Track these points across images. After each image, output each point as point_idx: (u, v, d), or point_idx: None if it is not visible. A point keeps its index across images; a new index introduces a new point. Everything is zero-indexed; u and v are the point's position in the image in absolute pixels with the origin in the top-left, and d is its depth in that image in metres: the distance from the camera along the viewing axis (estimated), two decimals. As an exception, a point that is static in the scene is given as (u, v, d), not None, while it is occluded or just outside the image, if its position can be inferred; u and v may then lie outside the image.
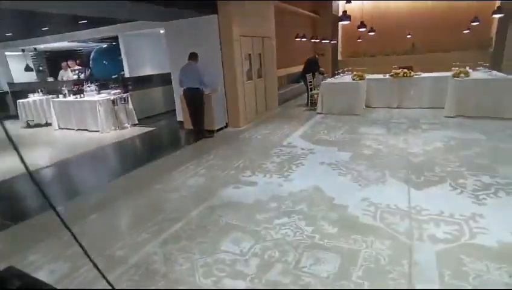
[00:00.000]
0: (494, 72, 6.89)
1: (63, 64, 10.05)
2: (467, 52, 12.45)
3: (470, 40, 12.63)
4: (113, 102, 7.27)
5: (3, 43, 10.15)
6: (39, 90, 8.66)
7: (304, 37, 10.08)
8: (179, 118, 7.25)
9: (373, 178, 3.62)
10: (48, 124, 8.22)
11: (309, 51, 13.04)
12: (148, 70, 9.91)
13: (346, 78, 7.94)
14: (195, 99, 5.79)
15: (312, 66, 8.56)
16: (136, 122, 7.71)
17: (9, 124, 7.73)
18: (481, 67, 7.36)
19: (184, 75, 5.78)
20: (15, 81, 10.73)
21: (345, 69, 8.63)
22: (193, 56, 5.78)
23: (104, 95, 7.45)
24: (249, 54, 6.90)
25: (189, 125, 6.27)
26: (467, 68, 6.80)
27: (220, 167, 4.36)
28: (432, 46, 13.34)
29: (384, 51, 14.20)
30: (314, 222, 2.76)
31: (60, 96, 7.82)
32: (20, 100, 8.28)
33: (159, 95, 8.96)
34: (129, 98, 7.63)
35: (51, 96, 8.27)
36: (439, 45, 13.21)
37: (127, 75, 9.45)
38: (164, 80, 8.70)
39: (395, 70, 7.60)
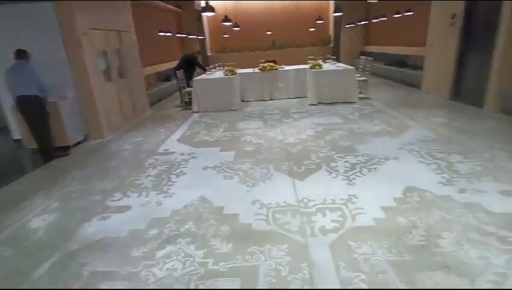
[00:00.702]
0: (340, 64, 8.07)
1: None
2: (315, 48, 14.44)
3: (316, 37, 14.69)
4: None
5: None
6: None
7: (168, 31, 9.40)
8: (16, 135, 5.55)
9: (259, 176, 3.53)
10: None
11: (177, 46, 12.42)
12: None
13: (218, 73, 7.81)
14: (35, 110, 4.45)
15: (187, 64, 8.04)
16: None
17: None
18: (329, 60, 8.50)
19: (14, 79, 4.35)
20: None
21: (216, 65, 8.50)
22: (21, 54, 4.40)
23: None
24: (104, 51, 5.84)
25: (32, 143, 4.83)
26: (320, 61, 7.71)
27: (79, 193, 3.44)
28: (288, 42, 14.85)
29: (249, 47, 14.95)
30: (205, 243, 2.39)
31: None
32: None
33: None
34: None
35: None
36: (294, 41, 14.83)
37: None
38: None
39: (263, 65, 7.95)
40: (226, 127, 5.75)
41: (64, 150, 4.94)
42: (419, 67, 8.09)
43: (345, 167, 3.60)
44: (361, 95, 7.36)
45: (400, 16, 8.67)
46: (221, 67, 8.29)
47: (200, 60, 8.43)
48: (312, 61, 7.52)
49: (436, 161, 3.58)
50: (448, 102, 6.33)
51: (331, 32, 14.74)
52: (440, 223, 2.43)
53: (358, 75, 7.41)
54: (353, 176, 3.35)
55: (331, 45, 14.67)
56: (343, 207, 2.75)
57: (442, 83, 6.60)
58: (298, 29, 14.54)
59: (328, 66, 7.74)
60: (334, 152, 4.09)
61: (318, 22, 9.59)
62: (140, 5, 8.43)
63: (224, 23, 7.81)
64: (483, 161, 3.48)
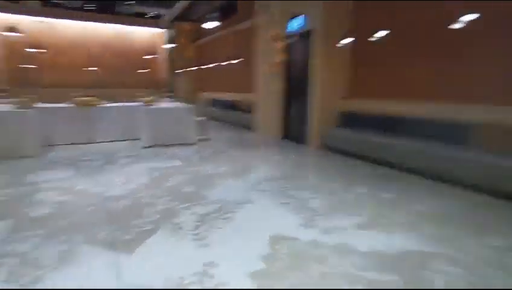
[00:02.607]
0: (176, 103, 7.42)
1: None
2: (149, 90, 13.46)
3: (149, 79, 13.85)
4: None
5: None
6: None
7: None
8: None
9: (52, 259, 2.07)
10: None
11: None
12: None
13: (3, 107, 5.47)
14: None
15: None
16: None
17: None
18: (165, 98, 7.75)
19: None
20: None
21: (4, 94, 6.04)
22: None
23: None
24: None
25: None
26: (152, 98, 6.79)
27: None
28: (117, 83, 13.24)
29: (65, 83, 12.30)
30: None
31: None
32: None
33: None
34: None
35: None
36: (123, 82, 13.37)
37: None
38: None
39: (78, 98, 6.23)
40: (7, 181, 3.72)
41: None
42: (250, 111, 8.57)
43: (194, 220, 2.69)
44: (200, 137, 6.88)
45: (228, 62, 9.15)
46: (6, 98, 5.91)
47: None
48: (144, 98, 6.49)
49: (289, 199, 3.26)
50: (280, 141, 6.74)
51: (165, 75, 14.32)
52: (323, 281, 1.88)
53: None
54: (205, 233, 2.48)
55: (165, 89, 14.14)
56: (198, 288, 1.79)
57: (273, 125, 7.05)
58: (128, 68, 13.29)
59: (164, 104, 6.92)
60: (177, 202, 3.13)
61: (147, 56, 8.81)
62: None
63: (7, 34, 5.71)
64: (328, 195, 3.43)
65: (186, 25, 12.88)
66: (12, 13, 9.83)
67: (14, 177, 3.89)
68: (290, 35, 6.33)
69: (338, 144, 5.47)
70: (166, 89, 13.89)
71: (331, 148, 5.65)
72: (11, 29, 4.59)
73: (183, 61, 12.99)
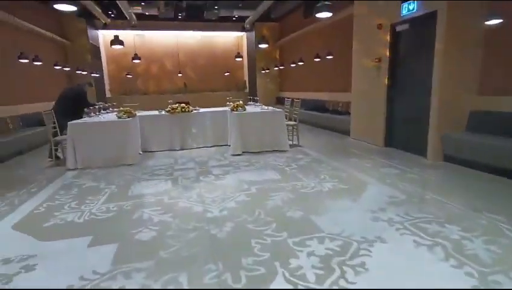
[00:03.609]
0: (264, 106, 7.03)
1: None
2: (230, 93, 13.64)
3: (230, 82, 14.03)
4: None
5: None
6: None
7: (37, 60, 7.05)
8: None
9: (159, 312, 1.73)
10: None
11: (63, 81, 9.85)
12: None
13: (108, 116, 5.83)
14: None
15: (69, 101, 5.68)
16: None
17: None
18: (251, 102, 7.47)
19: None
20: None
21: (108, 104, 6.51)
22: None
23: None
24: None
25: None
26: (241, 102, 6.53)
27: None
28: (202, 86, 13.75)
29: (157, 89, 13.29)
30: None
31: None
32: None
33: None
34: None
35: None
36: (207, 86, 13.81)
37: None
38: None
39: (172, 106, 6.34)
40: (113, 193, 3.76)
41: None
42: (341, 112, 7.71)
43: (314, 267, 2.11)
44: (291, 142, 6.35)
45: (317, 59, 8.41)
46: (115, 109, 6.30)
47: (89, 97, 6.28)
48: (231, 103, 6.24)
49: (434, 239, 2.42)
50: (384, 149, 5.75)
51: (246, 77, 14.32)
52: None
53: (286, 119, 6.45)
54: (336, 287, 1.87)
55: (246, 90, 14.13)
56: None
57: (374, 129, 6.08)
58: (215, 72, 13.70)
59: (251, 108, 6.61)
60: (285, 233, 2.60)
61: (237, 59, 8.73)
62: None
63: (135, 61, 6.07)
64: (489, 234, 2.48)
65: (268, 25, 12.57)
66: (113, 29, 10.91)
67: (119, 188, 3.93)
68: (400, 22, 5.29)
69: (469, 154, 4.27)
70: (249, 92, 13.86)
71: (458, 160, 4.47)
72: (116, 39, 4.97)
73: (266, 61, 12.72)
